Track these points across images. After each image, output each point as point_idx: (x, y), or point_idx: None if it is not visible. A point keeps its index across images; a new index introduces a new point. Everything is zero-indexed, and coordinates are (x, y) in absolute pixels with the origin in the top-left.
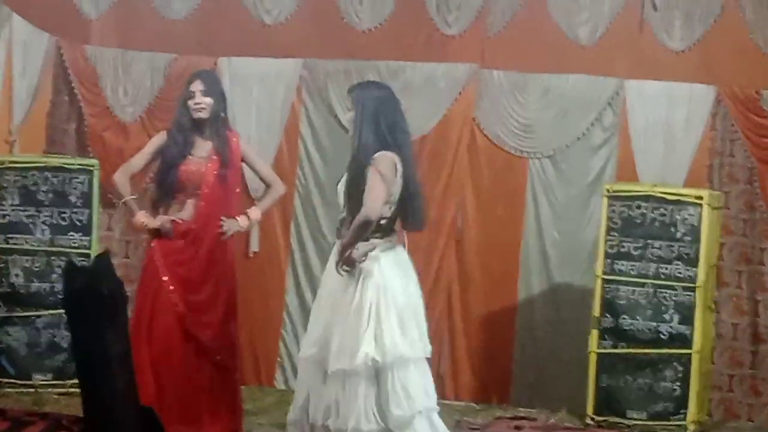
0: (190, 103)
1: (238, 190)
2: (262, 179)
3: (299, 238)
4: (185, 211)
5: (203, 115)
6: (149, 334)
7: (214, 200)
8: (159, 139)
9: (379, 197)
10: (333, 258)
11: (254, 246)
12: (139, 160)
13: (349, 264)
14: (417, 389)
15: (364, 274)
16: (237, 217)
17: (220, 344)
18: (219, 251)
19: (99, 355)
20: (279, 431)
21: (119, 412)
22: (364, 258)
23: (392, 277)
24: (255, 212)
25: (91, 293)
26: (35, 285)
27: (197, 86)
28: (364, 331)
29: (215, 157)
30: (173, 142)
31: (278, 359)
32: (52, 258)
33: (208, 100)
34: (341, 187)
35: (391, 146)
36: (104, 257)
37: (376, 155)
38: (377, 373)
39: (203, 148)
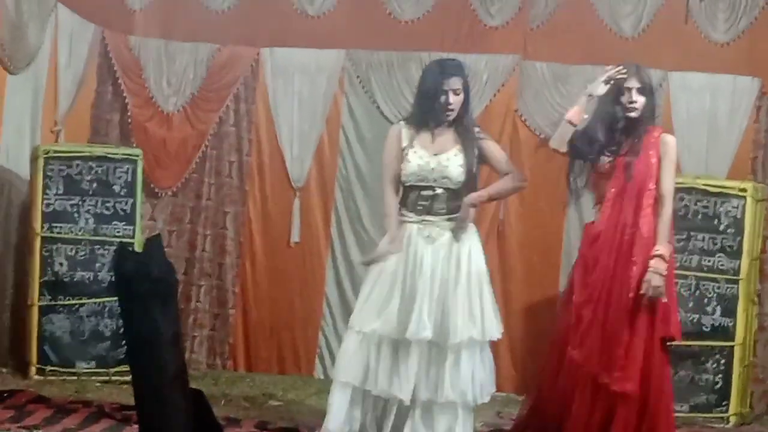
0: (623, 100)
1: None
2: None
3: (339, 229)
4: None
5: (635, 115)
6: None
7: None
8: None
9: None
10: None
11: (295, 236)
12: None
13: None
14: None
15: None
16: None
17: None
18: None
19: (149, 336)
20: (320, 419)
21: (169, 393)
22: None
23: None
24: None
25: (142, 275)
26: (79, 273)
27: (632, 83)
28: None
29: None
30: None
31: (318, 350)
32: (96, 247)
33: (642, 98)
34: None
35: None
36: (155, 240)
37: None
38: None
39: None
